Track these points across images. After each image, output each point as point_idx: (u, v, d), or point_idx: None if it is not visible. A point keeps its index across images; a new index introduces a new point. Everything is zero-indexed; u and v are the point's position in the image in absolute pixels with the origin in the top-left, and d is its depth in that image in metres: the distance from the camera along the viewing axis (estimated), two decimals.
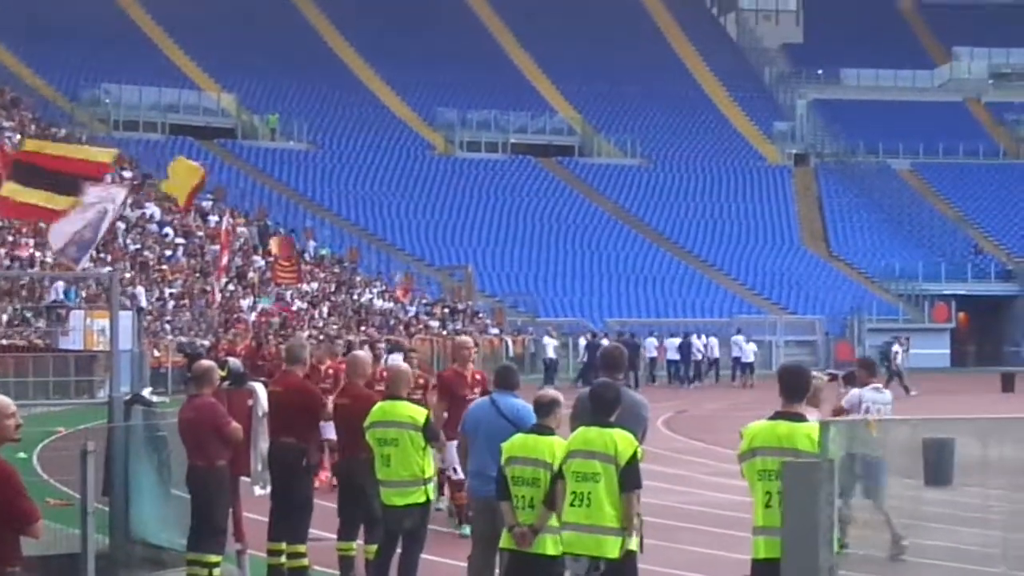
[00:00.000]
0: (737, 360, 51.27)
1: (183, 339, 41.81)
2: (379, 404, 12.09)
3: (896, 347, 47.58)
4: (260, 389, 13.30)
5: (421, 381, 17.01)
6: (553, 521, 9.82)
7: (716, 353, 52.55)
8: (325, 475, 17.90)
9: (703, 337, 52.60)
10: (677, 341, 51.90)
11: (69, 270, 22.91)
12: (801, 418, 8.92)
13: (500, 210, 71.68)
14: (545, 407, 10.24)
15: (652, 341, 52.86)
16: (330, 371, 18.55)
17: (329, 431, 14.91)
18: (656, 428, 27.45)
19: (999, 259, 72.93)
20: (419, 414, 11.96)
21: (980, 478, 8.02)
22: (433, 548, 13.05)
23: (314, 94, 77.70)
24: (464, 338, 17.99)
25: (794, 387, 9.09)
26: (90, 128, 65.71)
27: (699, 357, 51.91)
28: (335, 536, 13.16)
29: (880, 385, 15.23)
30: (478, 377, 15.55)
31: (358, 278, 57.84)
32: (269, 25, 79.55)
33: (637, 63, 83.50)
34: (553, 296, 64.70)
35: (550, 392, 10.54)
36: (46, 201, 15.15)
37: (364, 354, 14.46)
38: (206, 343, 37.53)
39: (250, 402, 13.11)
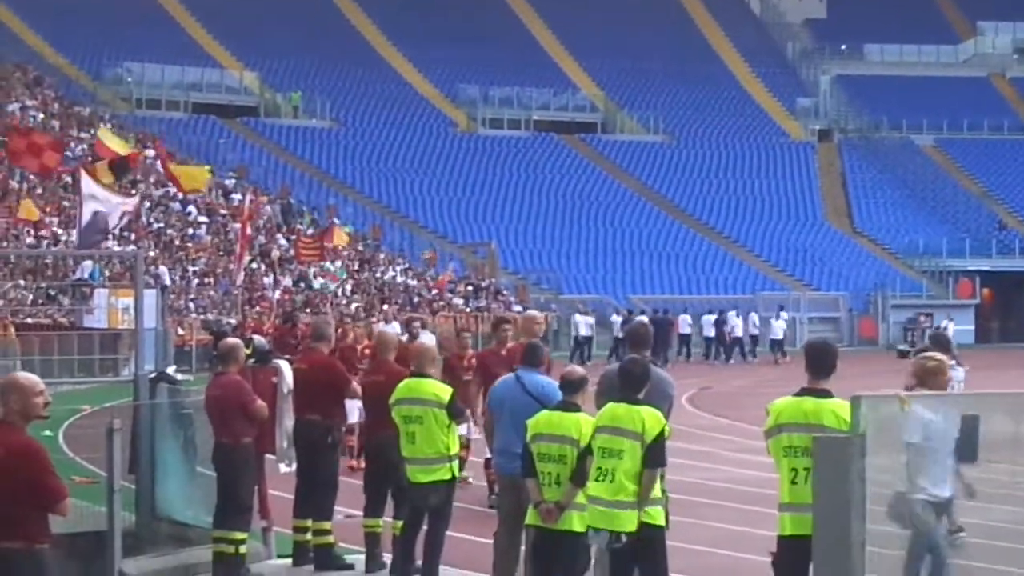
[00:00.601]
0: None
1: (210, 317, 41.88)
2: (405, 381, 12.07)
3: (946, 321, 47.62)
4: (285, 367, 13.32)
5: (473, 362, 16.86)
6: (580, 498, 9.81)
7: (754, 330, 52.16)
8: (354, 461, 17.84)
9: (739, 315, 52.21)
10: (712, 318, 51.62)
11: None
12: (827, 394, 8.89)
13: (523, 187, 71.57)
14: (574, 384, 10.22)
15: (686, 318, 52.53)
16: (366, 351, 18.51)
17: (355, 414, 14.83)
18: (680, 405, 27.39)
19: None
20: (444, 392, 11.92)
21: (1010, 454, 7.97)
22: (459, 525, 13.05)
23: (336, 72, 77.65)
24: (534, 312, 17.57)
25: (820, 363, 9.05)
26: (112, 107, 65.74)
27: (739, 334, 51.44)
28: (361, 513, 13.18)
29: (954, 361, 15.11)
30: None
31: (381, 256, 57.87)
32: (291, 3, 79.46)
33: (660, 39, 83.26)
34: (576, 273, 64.60)
35: (579, 369, 10.52)
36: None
37: (392, 329, 14.42)
38: (232, 321, 37.57)
39: (275, 379, 13.13)
